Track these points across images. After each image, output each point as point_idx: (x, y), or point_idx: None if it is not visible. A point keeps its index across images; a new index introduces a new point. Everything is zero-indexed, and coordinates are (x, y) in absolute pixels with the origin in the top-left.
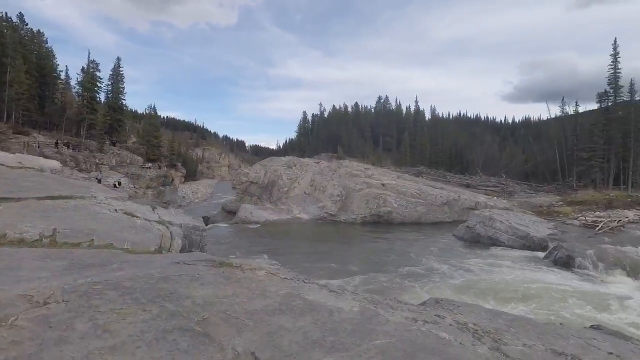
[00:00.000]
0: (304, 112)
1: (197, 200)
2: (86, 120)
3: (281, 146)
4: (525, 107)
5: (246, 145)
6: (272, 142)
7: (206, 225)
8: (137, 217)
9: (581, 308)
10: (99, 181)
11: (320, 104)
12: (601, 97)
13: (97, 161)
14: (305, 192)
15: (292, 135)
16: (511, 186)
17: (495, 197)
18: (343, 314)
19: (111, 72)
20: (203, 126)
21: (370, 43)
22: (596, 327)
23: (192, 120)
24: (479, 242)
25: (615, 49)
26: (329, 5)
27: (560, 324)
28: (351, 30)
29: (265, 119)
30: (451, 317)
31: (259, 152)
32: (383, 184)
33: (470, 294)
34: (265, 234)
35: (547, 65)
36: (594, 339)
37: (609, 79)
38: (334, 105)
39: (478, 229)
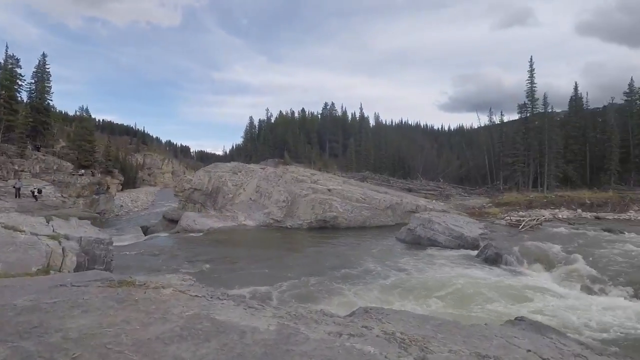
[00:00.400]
0: (251, 118)
1: (136, 209)
2: (3, 122)
3: (228, 152)
4: (459, 116)
5: (191, 151)
6: (218, 147)
7: (145, 235)
8: (21, 231)
9: (507, 301)
10: (18, 190)
11: (267, 109)
12: (521, 108)
13: (17, 168)
14: (251, 199)
15: (239, 140)
16: (448, 190)
17: (434, 200)
18: (257, 335)
19: (35, 70)
20: (144, 130)
21: (316, 50)
22: (520, 319)
23: (132, 124)
24: (419, 243)
25: (531, 66)
26: (275, 11)
27: (485, 324)
28: (297, 37)
29: (212, 124)
30: (379, 328)
31: (205, 158)
32: (329, 189)
33: (396, 294)
34: (208, 243)
35: (477, 79)
36: (515, 337)
37: (527, 93)
38: (280, 111)
39: (418, 231)
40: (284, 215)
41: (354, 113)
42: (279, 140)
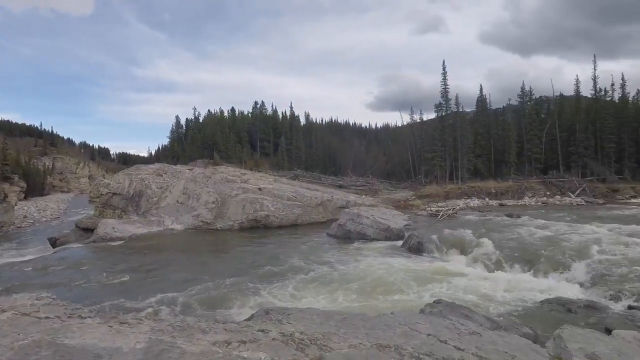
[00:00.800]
0: (177, 117)
1: (45, 219)
2: None
3: (153, 153)
4: (385, 115)
5: (111, 153)
6: (143, 149)
7: (54, 247)
8: None
9: (426, 286)
10: None
11: (195, 108)
12: (437, 107)
13: None
14: (178, 201)
15: (165, 141)
16: (376, 185)
17: (363, 196)
18: (116, 358)
19: None
20: (52, 131)
21: (245, 49)
22: (438, 302)
23: (37, 124)
24: (349, 238)
25: (444, 69)
26: (200, 7)
27: (392, 312)
28: (225, 34)
29: (134, 123)
30: (277, 330)
31: (128, 160)
32: (260, 189)
33: (311, 288)
34: (128, 251)
35: (399, 80)
36: (418, 323)
37: (441, 93)
38: (209, 110)
39: (348, 225)
40: (214, 216)
41: (285, 112)
42: (208, 140)
